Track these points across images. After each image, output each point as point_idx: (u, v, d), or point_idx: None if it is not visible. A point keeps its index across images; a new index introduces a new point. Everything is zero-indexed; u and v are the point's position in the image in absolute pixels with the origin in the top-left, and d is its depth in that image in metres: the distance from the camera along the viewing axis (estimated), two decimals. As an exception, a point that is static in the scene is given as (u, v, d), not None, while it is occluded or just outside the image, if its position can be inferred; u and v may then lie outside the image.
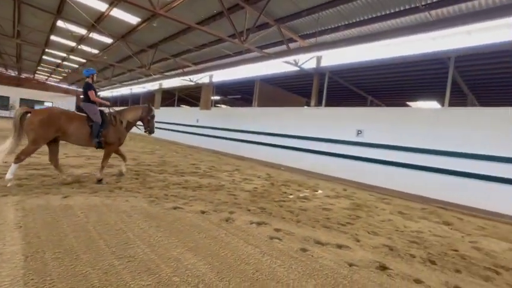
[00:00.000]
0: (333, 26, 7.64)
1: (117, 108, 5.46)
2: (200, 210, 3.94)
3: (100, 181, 4.81)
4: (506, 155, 5.37)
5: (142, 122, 5.57)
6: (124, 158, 5.49)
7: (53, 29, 11.67)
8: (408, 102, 12.16)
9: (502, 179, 5.38)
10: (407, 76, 8.92)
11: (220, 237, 3.08)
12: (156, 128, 5.94)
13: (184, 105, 22.04)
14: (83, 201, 3.78)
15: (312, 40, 8.50)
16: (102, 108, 5.05)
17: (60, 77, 26.47)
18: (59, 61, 18.62)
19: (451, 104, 6.77)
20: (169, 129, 16.98)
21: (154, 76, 16.38)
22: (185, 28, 9.34)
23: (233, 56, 11.25)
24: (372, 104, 12.59)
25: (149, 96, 21.48)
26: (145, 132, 5.63)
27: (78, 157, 7.26)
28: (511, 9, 4.10)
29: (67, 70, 21.74)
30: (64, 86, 30.24)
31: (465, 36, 6.09)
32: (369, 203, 5.45)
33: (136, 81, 19.61)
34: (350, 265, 2.70)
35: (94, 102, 4.87)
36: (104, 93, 25.64)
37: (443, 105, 6.88)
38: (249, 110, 12.42)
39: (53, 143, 4.54)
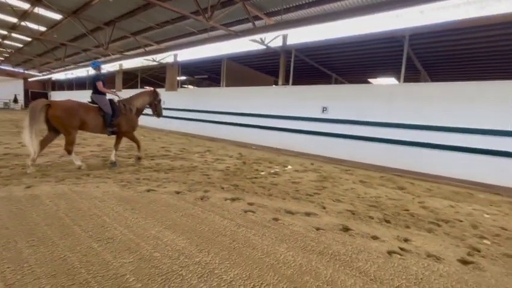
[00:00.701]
0: (297, 4, 7.67)
1: (115, 91, 5.69)
2: (174, 191, 4.01)
3: (139, 159, 5.65)
4: (452, 125, 6.03)
5: (149, 106, 5.80)
6: (117, 147, 5.50)
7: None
8: (369, 79, 12.81)
9: (447, 146, 6.08)
10: (368, 54, 9.35)
11: (197, 214, 3.21)
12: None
13: (148, 87, 20.99)
14: (49, 190, 3.66)
15: (278, 18, 8.48)
16: (112, 97, 5.27)
17: (2, 58, 23.59)
18: (-1, 40, 16.54)
19: (406, 80, 7.31)
20: (133, 113, 16.18)
21: (113, 56, 15.32)
22: (145, 4, 8.76)
23: (198, 34, 10.86)
24: (336, 82, 13.06)
25: (109, 78, 20.09)
26: (154, 115, 5.90)
27: (36, 146, 6.78)
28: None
29: (9, 50, 19.41)
30: (8, 68, 27.02)
31: (418, 15, 6.51)
32: (334, 175, 5.88)
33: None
34: (317, 229, 3.00)
35: (103, 93, 5.08)
36: (58, 75, 23.45)
37: (399, 81, 7.40)
38: (217, 90, 12.25)
39: (53, 132, 4.64)
